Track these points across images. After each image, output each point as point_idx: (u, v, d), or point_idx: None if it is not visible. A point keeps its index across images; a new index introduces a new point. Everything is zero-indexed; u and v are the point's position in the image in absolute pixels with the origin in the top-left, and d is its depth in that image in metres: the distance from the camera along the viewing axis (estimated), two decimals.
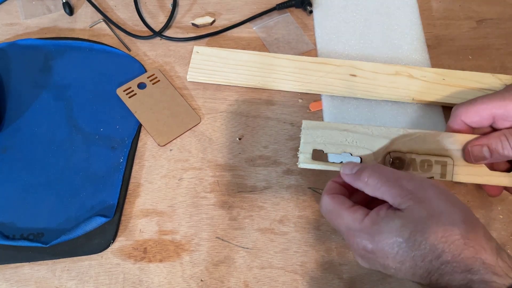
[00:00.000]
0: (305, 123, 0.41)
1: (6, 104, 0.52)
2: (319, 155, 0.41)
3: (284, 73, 0.53)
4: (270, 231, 0.45)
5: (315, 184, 0.48)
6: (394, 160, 0.40)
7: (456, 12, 0.60)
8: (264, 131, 0.51)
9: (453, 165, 0.40)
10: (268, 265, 0.44)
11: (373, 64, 0.53)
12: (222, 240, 0.45)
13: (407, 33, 0.57)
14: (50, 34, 0.58)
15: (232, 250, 0.45)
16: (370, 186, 0.35)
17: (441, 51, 0.56)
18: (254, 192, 0.47)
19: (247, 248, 0.45)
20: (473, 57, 0.56)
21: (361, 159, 0.40)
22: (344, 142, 0.41)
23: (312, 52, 0.56)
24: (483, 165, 0.41)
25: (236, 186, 0.48)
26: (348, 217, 0.34)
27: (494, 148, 0.39)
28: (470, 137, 0.41)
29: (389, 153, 0.40)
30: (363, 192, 0.36)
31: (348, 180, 0.37)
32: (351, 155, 0.40)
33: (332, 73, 0.52)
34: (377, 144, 0.40)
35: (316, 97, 0.53)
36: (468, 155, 0.40)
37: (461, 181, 0.41)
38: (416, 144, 0.41)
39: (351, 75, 0.52)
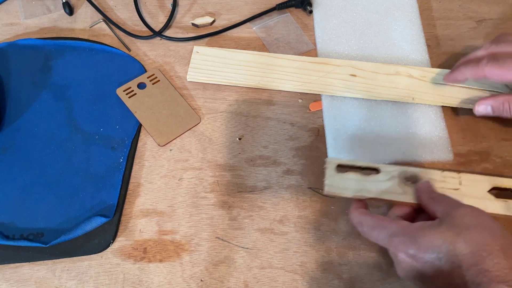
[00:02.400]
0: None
1: (6, 104, 0.52)
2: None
3: (284, 73, 0.53)
4: (270, 231, 0.45)
5: (315, 184, 0.48)
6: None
7: (456, 12, 0.60)
8: (264, 131, 0.51)
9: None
10: (268, 265, 0.44)
11: (373, 64, 0.53)
12: (222, 240, 0.45)
13: (407, 33, 0.57)
14: (50, 34, 0.58)
15: (232, 250, 0.45)
16: (436, 199, 0.38)
17: (441, 51, 0.56)
18: (254, 192, 0.47)
19: (247, 248, 0.45)
20: None
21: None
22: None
23: (312, 52, 0.56)
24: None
25: (236, 186, 0.48)
26: (392, 226, 0.36)
27: (496, 109, 0.47)
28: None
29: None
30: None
31: (423, 196, 0.40)
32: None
33: (332, 73, 0.52)
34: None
35: (316, 97, 0.53)
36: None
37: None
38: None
39: (351, 75, 0.52)
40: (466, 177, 0.42)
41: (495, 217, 0.35)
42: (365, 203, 0.41)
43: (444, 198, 0.38)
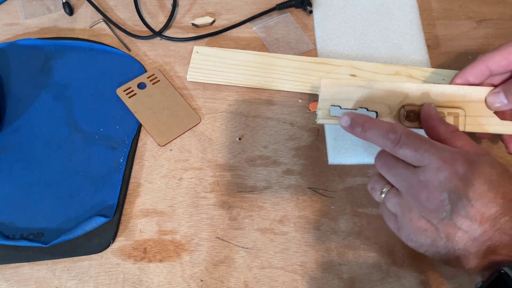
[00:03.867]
0: (323, 81, 0.42)
1: (6, 104, 0.52)
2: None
3: (284, 73, 0.53)
4: (270, 231, 0.46)
5: (315, 184, 0.48)
6: (409, 113, 0.41)
7: (456, 12, 0.60)
8: (264, 131, 0.51)
9: (465, 116, 0.42)
10: (268, 265, 0.44)
11: (373, 64, 0.53)
12: (222, 240, 0.45)
13: (407, 33, 0.57)
14: (50, 34, 0.58)
15: (232, 250, 0.45)
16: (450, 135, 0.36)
17: (441, 51, 0.56)
18: (254, 192, 0.47)
19: (247, 248, 0.45)
20: (473, 57, 0.56)
21: (376, 113, 0.42)
22: (360, 98, 0.42)
23: (312, 52, 0.56)
24: (494, 115, 0.42)
25: (236, 186, 0.48)
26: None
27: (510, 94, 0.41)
28: (480, 89, 0.42)
29: (403, 106, 0.42)
30: None
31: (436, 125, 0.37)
32: (367, 110, 0.42)
33: (332, 73, 0.52)
34: (392, 98, 0.42)
35: (316, 97, 0.53)
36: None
37: (473, 131, 0.42)
38: (429, 98, 0.42)
39: (351, 75, 0.52)
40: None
41: None
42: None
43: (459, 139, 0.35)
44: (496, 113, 0.42)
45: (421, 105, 0.41)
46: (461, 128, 0.42)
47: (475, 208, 0.30)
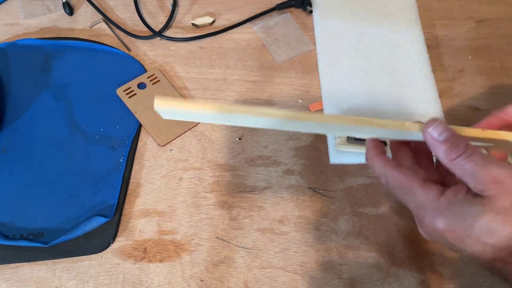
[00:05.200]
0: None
1: (6, 104, 0.52)
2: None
3: None
4: (270, 231, 0.45)
5: (315, 184, 0.48)
6: None
7: (456, 12, 0.60)
8: (264, 131, 0.51)
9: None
10: (268, 265, 0.44)
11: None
12: (222, 240, 0.45)
13: (407, 33, 0.57)
14: (50, 34, 0.58)
15: (232, 250, 0.45)
16: (455, 162, 0.31)
17: (441, 51, 0.56)
18: (254, 192, 0.47)
19: (247, 248, 0.45)
20: (473, 57, 0.56)
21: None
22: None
23: (312, 52, 0.56)
24: None
25: (236, 186, 0.48)
26: (422, 194, 0.32)
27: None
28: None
29: None
30: (423, 155, 0.35)
31: (431, 142, 0.32)
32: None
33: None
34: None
35: (316, 97, 0.53)
36: None
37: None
38: None
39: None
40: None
41: None
42: (382, 147, 0.35)
43: (483, 170, 0.30)
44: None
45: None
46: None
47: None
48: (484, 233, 0.29)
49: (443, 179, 0.35)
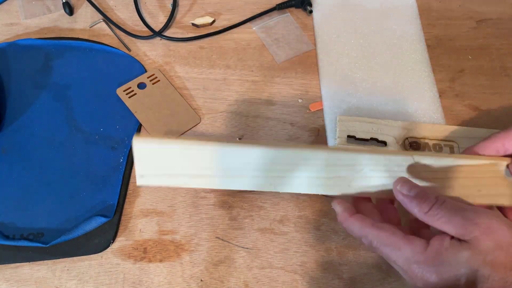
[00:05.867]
0: (340, 117, 0.49)
1: (6, 104, 0.52)
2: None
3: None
4: (270, 231, 0.45)
5: None
6: (412, 143, 0.48)
7: (456, 12, 0.60)
8: (264, 131, 0.51)
9: (459, 147, 0.47)
10: (268, 265, 0.44)
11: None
12: (222, 240, 0.45)
13: (407, 33, 0.57)
14: (50, 34, 0.58)
15: (232, 250, 0.45)
16: (429, 215, 0.32)
17: (441, 51, 0.56)
18: (254, 192, 0.47)
19: (247, 248, 0.45)
20: (473, 57, 0.56)
21: (385, 143, 0.47)
22: (371, 130, 0.48)
23: (312, 52, 0.56)
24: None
25: None
26: (407, 249, 0.32)
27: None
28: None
29: (407, 138, 0.48)
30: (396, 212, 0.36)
31: (402, 200, 0.34)
32: (377, 140, 0.48)
33: None
34: (397, 132, 0.48)
35: (316, 98, 0.53)
36: None
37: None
38: (427, 133, 0.48)
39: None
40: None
41: None
42: (352, 207, 0.35)
43: (457, 215, 0.31)
44: None
45: (421, 138, 0.47)
46: None
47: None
48: (479, 278, 0.30)
49: (417, 235, 0.34)
